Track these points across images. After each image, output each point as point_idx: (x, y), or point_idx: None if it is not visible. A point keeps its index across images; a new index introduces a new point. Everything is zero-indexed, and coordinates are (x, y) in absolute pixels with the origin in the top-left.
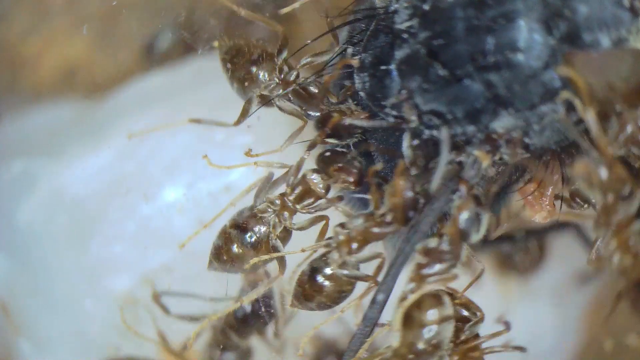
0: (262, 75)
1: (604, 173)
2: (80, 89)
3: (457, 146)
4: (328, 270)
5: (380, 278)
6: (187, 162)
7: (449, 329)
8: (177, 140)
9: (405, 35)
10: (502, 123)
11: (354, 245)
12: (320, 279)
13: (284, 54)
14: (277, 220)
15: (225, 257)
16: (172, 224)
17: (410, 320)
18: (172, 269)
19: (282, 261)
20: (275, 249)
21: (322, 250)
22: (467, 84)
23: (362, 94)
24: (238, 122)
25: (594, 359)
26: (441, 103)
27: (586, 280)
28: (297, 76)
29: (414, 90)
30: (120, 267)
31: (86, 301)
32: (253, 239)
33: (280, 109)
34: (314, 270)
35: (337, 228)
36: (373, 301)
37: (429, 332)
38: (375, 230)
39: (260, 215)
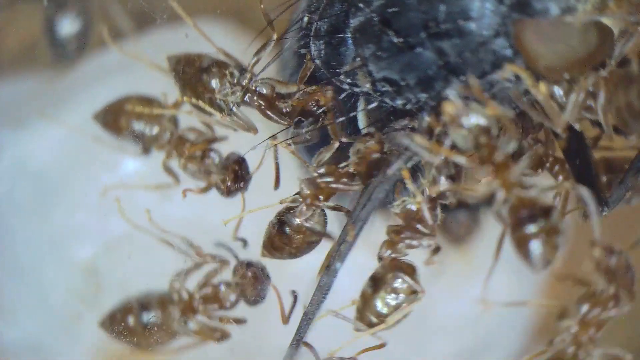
0: (215, 82)
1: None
2: (42, 61)
3: (409, 112)
4: (296, 222)
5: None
6: None
7: (413, 299)
8: None
9: (360, 4)
10: (454, 90)
11: (321, 197)
12: (288, 231)
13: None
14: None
15: (116, 324)
16: (133, 193)
17: (381, 282)
18: (133, 238)
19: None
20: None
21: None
22: (419, 51)
23: (317, 61)
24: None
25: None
26: (394, 70)
27: None
28: (251, 79)
29: (368, 57)
30: (83, 235)
31: (49, 270)
32: (147, 322)
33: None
34: (282, 223)
35: (304, 181)
36: (329, 268)
37: (394, 299)
38: (340, 183)
39: (167, 298)
